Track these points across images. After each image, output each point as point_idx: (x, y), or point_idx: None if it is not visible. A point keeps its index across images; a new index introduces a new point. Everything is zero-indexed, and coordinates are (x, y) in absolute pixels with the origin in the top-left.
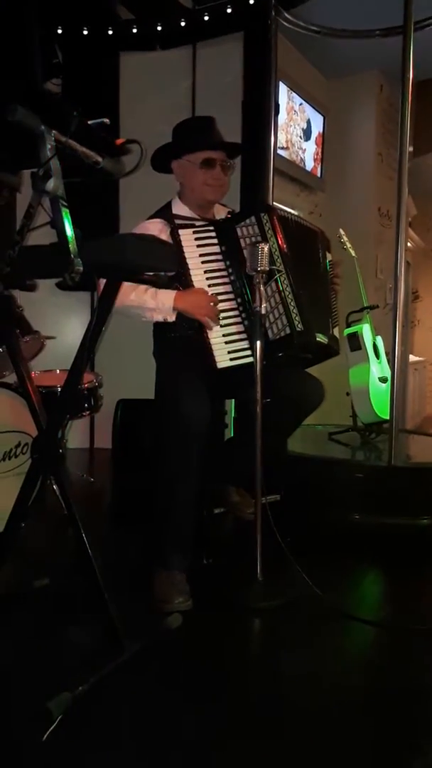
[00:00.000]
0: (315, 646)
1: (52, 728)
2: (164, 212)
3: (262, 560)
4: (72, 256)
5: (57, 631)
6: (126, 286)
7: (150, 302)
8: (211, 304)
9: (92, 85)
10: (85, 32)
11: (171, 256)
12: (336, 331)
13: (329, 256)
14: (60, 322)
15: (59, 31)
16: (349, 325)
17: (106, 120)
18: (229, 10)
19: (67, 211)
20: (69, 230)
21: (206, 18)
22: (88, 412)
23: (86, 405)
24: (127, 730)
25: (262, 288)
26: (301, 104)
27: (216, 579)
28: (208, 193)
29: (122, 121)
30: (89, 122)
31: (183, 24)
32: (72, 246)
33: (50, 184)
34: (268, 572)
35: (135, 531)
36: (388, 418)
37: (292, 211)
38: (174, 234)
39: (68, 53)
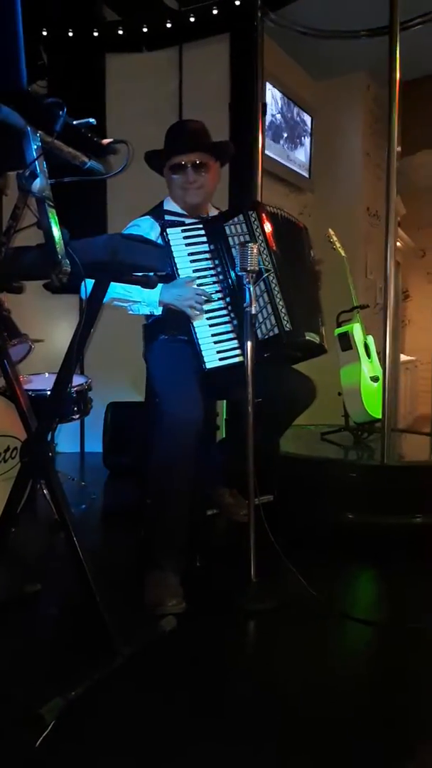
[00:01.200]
0: (310, 647)
1: (45, 734)
2: (156, 210)
3: (256, 561)
4: (59, 256)
5: (49, 636)
6: None
7: (136, 295)
8: (197, 294)
9: (78, 87)
10: (71, 34)
11: (160, 256)
12: (323, 330)
13: (313, 253)
14: (48, 324)
15: (44, 33)
16: (339, 325)
17: (92, 120)
18: (215, 11)
19: (54, 211)
20: (56, 231)
21: (192, 19)
22: (77, 416)
23: (75, 408)
24: (120, 735)
25: (252, 288)
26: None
27: (210, 581)
28: (187, 196)
29: (109, 123)
30: (75, 122)
31: (169, 25)
32: (59, 247)
33: (36, 185)
34: (262, 573)
35: (127, 534)
36: (379, 417)
37: (280, 208)
38: (163, 232)
39: (54, 55)
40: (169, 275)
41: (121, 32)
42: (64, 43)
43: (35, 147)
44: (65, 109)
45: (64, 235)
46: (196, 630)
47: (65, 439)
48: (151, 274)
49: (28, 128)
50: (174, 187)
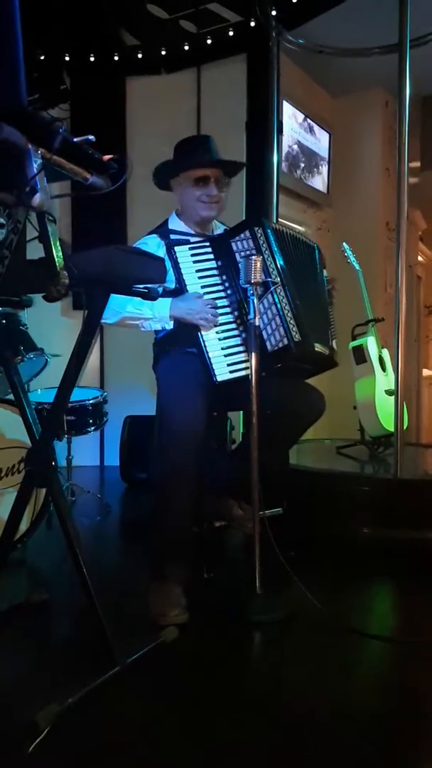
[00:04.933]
0: (315, 660)
1: (38, 740)
2: (161, 228)
3: (262, 574)
4: (58, 268)
5: (51, 644)
6: (120, 298)
7: (147, 312)
8: (207, 306)
9: (99, 110)
10: (92, 59)
11: (158, 268)
12: (335, 344)
13: (326, 273)
14: (67, 340)
15: (66, 58)
16: (354, 338)
17: (91, 137)
18: (231, 33)
19: (54, 225)
20: (55, 244)
21: (209, 41)
22: (92, 428)
23: (91, 421)
24: (114, 744)
25: (256, 300)
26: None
27: (216, 592)
28: (202, 209)
29: (129, 143)
30: (75, 139)
31: (187, 48)
32: (58, 260)
33: (36, 200)
34: (268, 586)
35: (140, 545)
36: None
37: (288, 224)
38: (170, 250)
39: (76, 79)
40: (178, 290)
41: (140, 56)
42: (86, 67)
43: (36, 164)
44: (64, 126)
45: (63, 248)
46: (200, 640)
47: (85, 452)
48: (155, 286)
49: (30, 146)
50: (190, 199)
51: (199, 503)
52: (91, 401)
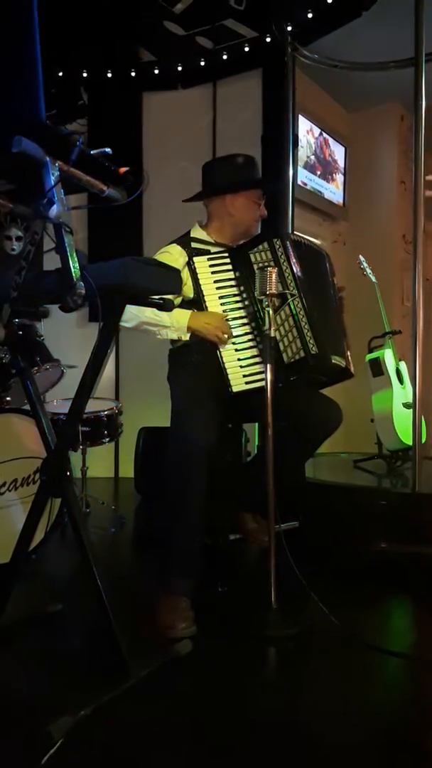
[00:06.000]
0: (331, 676)
1: (51, 752)
2: (184, 238)
3: (278, 588)
4: (74, 279)
5: (64, 655)
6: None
7: (166, 319)
8: (225, 324)
9: (117, 125)
10: (109, 74)
11: (174, 279)
12: (348, 355)
13: (335, 280)
14: (84, 351)
15: (84, 75)
16: (371, 351)
17: (108, 150)
18: (246, 49)
19: (71, 236)
20: (71, 255)
21: (225, 57)
22: (107, 439)
23: (106, 432)
24: (127, 758)
25: (271, 311)
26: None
27: (230, 606)
28: (255, 227)
29: (146, 158)
30: (92, 152)
31: (203, 63)
32: (75, 271)
33: (53, 211)
34: (285, 600)
35: (154, 558)
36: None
37: (303, 236)
38: (189, 261)
39: (93, 95)
40: (197, 301)
41: (157, 71)
42: (103, 83)
43: (54, 176)
44: (81, 140)
45: (80, 259)
46: (213, 654)
47: (100, 464)
48: (170, 297)
49: (47, 158)
50: (250, 217)
51: (213, 516)
52: (105, 412)
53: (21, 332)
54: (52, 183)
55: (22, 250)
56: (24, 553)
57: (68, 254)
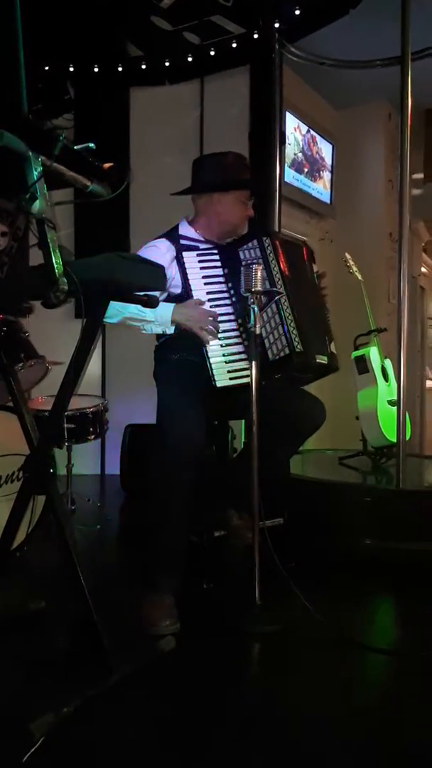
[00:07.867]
0: (315, 672)
1: (32, 750)
2: (172, 233)
3: (262, 584)
4: (57, 275)
5: (47, 653)
6: None
7: (149, 314)
8: (209, 318)
9: (104, 120)
10: (96, 69)
11: (159, 276)
12: (333, 346)
13: (315, 267)
14: (69, 348)
15: (71, 69)
16: (356, 348)
17: (92, 145)
18: (234, 45)
19: (54, 232)
20: (54, 251)
21: (212, 53)
22: (93, 436)
23: (91, 429)
24: (110, 755)
25: (256, 308)
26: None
27: (214, 603)
28: (243, 227)
29: (132, 154)
30: (76, 147)
31: (190, 59)
32: (57, 266)
33: (36, 206)
34: (268, 597)
35: (139, 555)
36: None
37: (289, 233)
38: (178, 256)
39: (80, 90)
40: (184, 296)
41: (144, 67)
42: (90, 78)
43: (37, 171)
44: (63, 134)
45: (63, 255)
46: (197, 651)
47: (85, 461)
48: (154, 293)
49: (30, 153)
50: (237, 216)
51: (198, 513)
52: (91, 409)
53: (5, 328)
54: (35, 178)
55: (5, 245)
56: (6, 551)
57: (51, 250)
